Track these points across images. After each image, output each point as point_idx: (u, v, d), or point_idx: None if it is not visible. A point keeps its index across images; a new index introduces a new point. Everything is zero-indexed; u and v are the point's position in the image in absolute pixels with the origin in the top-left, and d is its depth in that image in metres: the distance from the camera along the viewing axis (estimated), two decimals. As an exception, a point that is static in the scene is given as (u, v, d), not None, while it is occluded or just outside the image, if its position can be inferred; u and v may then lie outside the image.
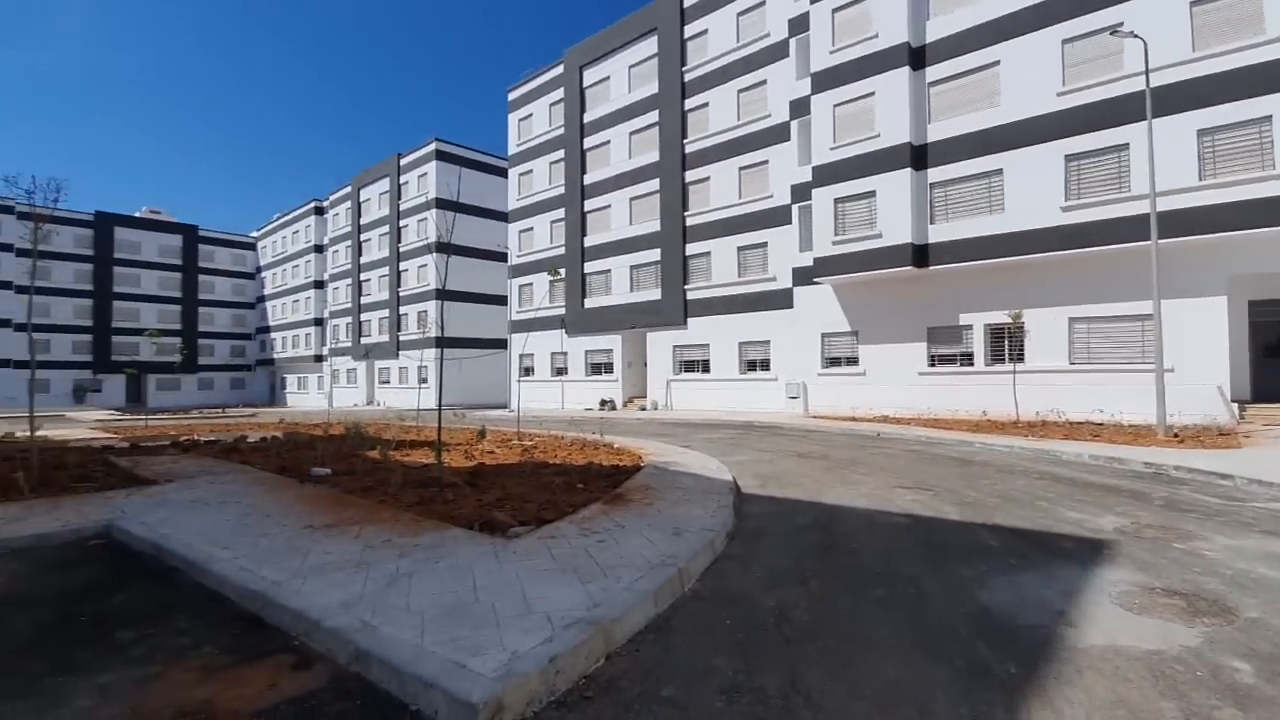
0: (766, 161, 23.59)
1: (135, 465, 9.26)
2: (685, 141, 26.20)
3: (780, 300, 22.91)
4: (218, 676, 2.99)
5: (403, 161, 44.08)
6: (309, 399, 52.70)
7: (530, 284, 33.20)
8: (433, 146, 41.07)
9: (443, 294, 39.79)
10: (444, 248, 40.53)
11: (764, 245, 23.62)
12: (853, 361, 20.69)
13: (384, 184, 45.81)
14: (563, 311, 31.17)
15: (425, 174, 41.83)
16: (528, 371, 33.77)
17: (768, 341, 23.44)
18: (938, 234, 18.26)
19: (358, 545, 4.69)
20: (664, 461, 9.48)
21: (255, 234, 65.06)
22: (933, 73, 18.50)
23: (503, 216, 38.88)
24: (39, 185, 7.10)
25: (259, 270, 64.00)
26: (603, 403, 28.08)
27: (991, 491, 7.69)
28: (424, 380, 40.53)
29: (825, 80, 20.21)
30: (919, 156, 18.67)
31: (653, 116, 27.54)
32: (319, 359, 53.07)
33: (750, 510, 6.79)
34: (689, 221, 26.02)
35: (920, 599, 4.05)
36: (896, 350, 19.59)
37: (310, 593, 3.77)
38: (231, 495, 6.70)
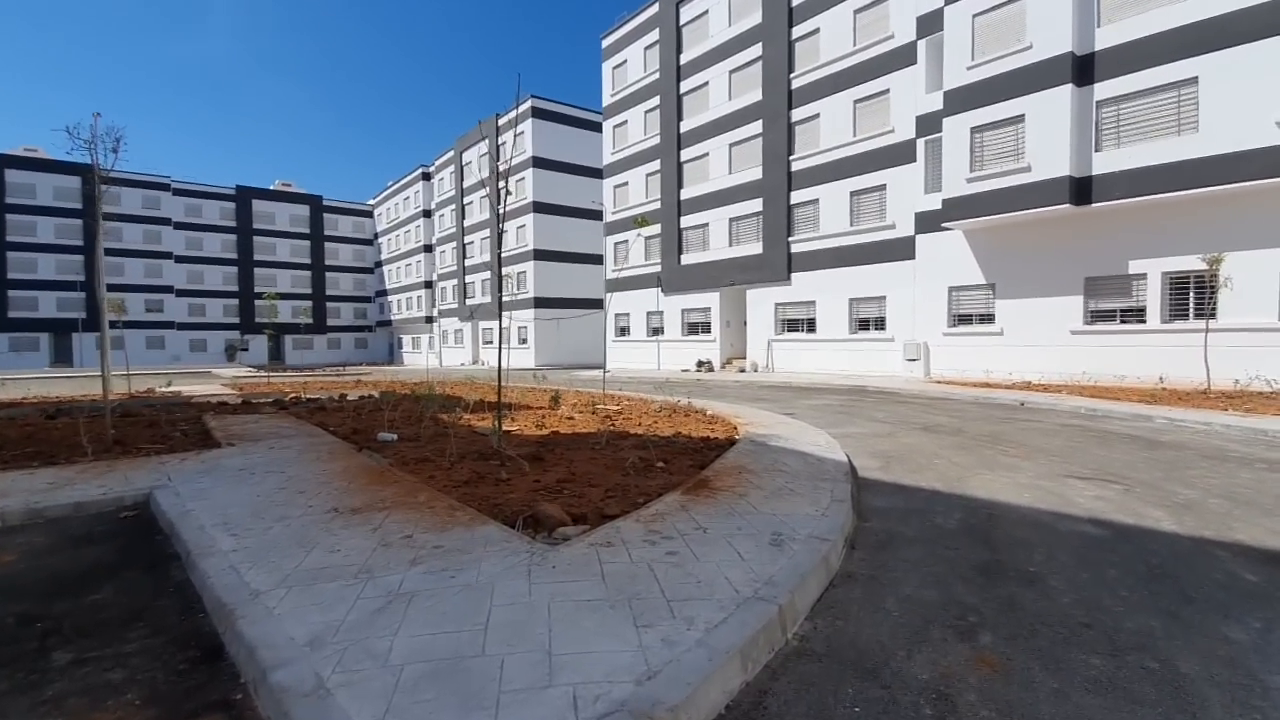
0: (887, 91, 20.70)
1: (222, 425, 9.18)
2: (792, 76, 23.65)
3: (899, 250, 20.31)
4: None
5: (501, 121, 43.96)
6: (421, 358, 55.28)
7: (625, 241, 32.11)
8: (529, 104, 40.50)
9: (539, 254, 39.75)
10: (541, 207, 40.29)
11: (881, 189, 20.95)
12: (987, 319, 17.96)
13: (484, 146, 46.07)
14: (658, 269, 29.91)
15: (522, 133, 41.47)
16: (623, 332, 33.02)
17: (883, 297, 20.98)
18: (1105, 164, 15.04)
19: (371, 542, 3.79)
20: (763, 434, 8.11)
21: (371, 201, 68.52)
22: (1106, -39, 15.01)
23: (598, 173, 37.85)
24: (98, 135, 6.72)
25: (376, 236, 67.56)
26: (699, 364, 26.78)
27: (1211, 489, 5.70)
28: (524, 340, 41.04)
29: (963, -15, 17.10)
30: (1083, 69, 15.37)
31: (755, 51, 25.08)
32: (429, 320, 55.43)
33: (873, 503, 5.34)
34: (794, 166, 23.65)
35: (1174, 686, 2.52)
36: (1043, 305, 16.68)
37: (283, 614, 2.86)
38: (282, 463, 6.15)
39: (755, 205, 25.21)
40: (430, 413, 9.35)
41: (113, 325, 47.46)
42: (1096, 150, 15.22)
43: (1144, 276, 15.02)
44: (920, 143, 19.38)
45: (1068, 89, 15.31)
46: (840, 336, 22.25)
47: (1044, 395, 13.30)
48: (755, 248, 25.25)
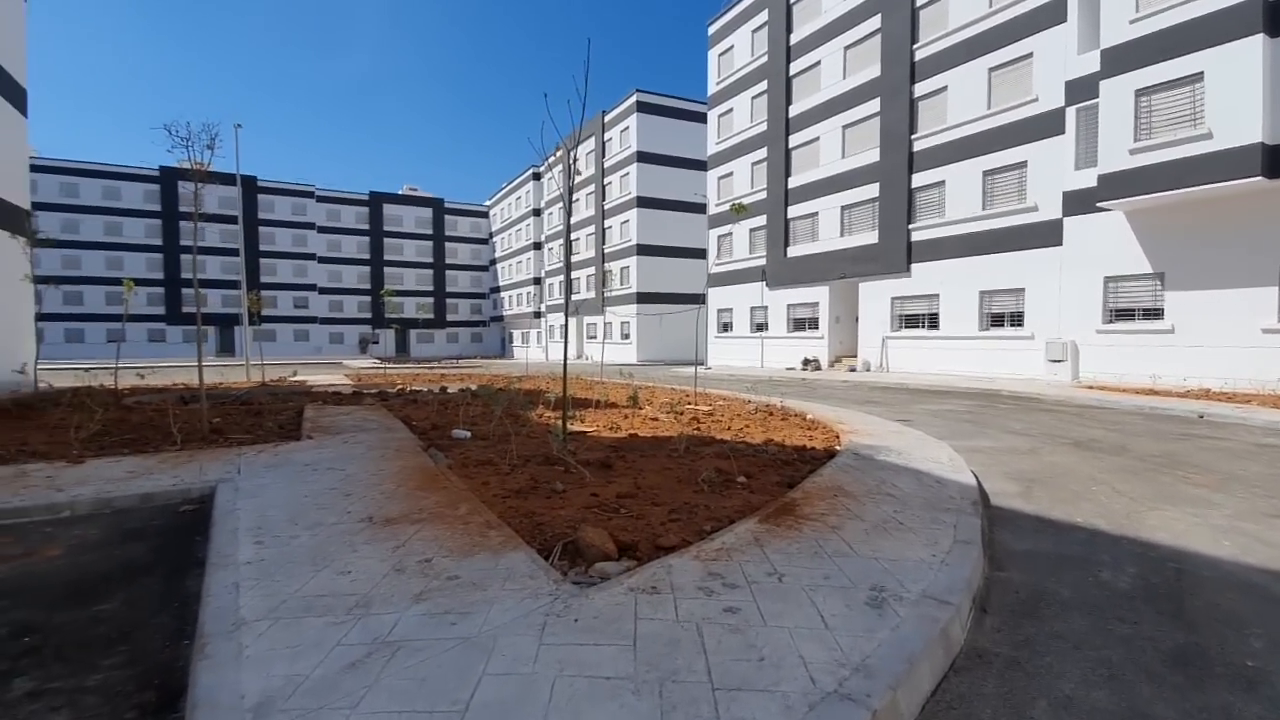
0: (1029, 55, 18.21)
1: (316, 416, 9.40)
2: (915, 47, 21.52)
3: (1042, 235, 17.81)
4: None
5: (607, 118, 44.16)
6: (531, 352, 57.04)
7: (729, 234, 30.99)
8: (633, 99, 40.31)
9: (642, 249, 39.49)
10: (644, 202, 40.00)
11: (1021, 166, 18.48)
12: (1153, 314, 15.26)
13: (590, 143, 46.55)
14: (763, 262, 28.55)
15: (627, 128, 41.39)
16: (725, 328, 31.94)
17: (1020, 290, 18.52)
18: (1321, 122, 12.15)
19: (386, 565, 3.29)
20: (869, 444, 6.99)
21: (487, 202, 71.79)
22: None
23: (701, 165, 36.93)
24: (194, 133, 6.92)
25: (490, 235, 70.70)
26: (805, 362, 25.21)
27: None
28: (626, 335, 41.01)
29: (1130, -80, 14.53)
30: (1276, 17, 12.53)
31: (873, 23, 23.10)
32: (537, 315, 57.11)
33: (1011, 545, 4.20)
34: (917, 146, 21.52)
35: None
36: (1226, 298, 13.87)
37: (252, 657, 2.39)
38: (346, 460, 5.96)
39: (870, 191, 23.27)
40: (509, 409, 9.05)
41: (263, 320, 52.80)
42: (1309, 107, 12.34)
43: (1378, 261, 11.98)
44: (1070, 111, 16.82)
45: (1258, 40, 12.53)
46: (967, 334, 19.95)
47: (1229, 406, 10.91)
48: (870, 237, 23.31)
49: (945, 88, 20.66)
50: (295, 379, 19.71)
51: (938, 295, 20.94)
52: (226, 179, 52.77)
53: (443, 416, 9.20)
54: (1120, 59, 14.86)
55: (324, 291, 63.67)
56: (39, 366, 14.95)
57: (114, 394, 13.11)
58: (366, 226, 66.50)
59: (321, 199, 64.01)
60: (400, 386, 16.94)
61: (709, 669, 2.26)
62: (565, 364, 6.13)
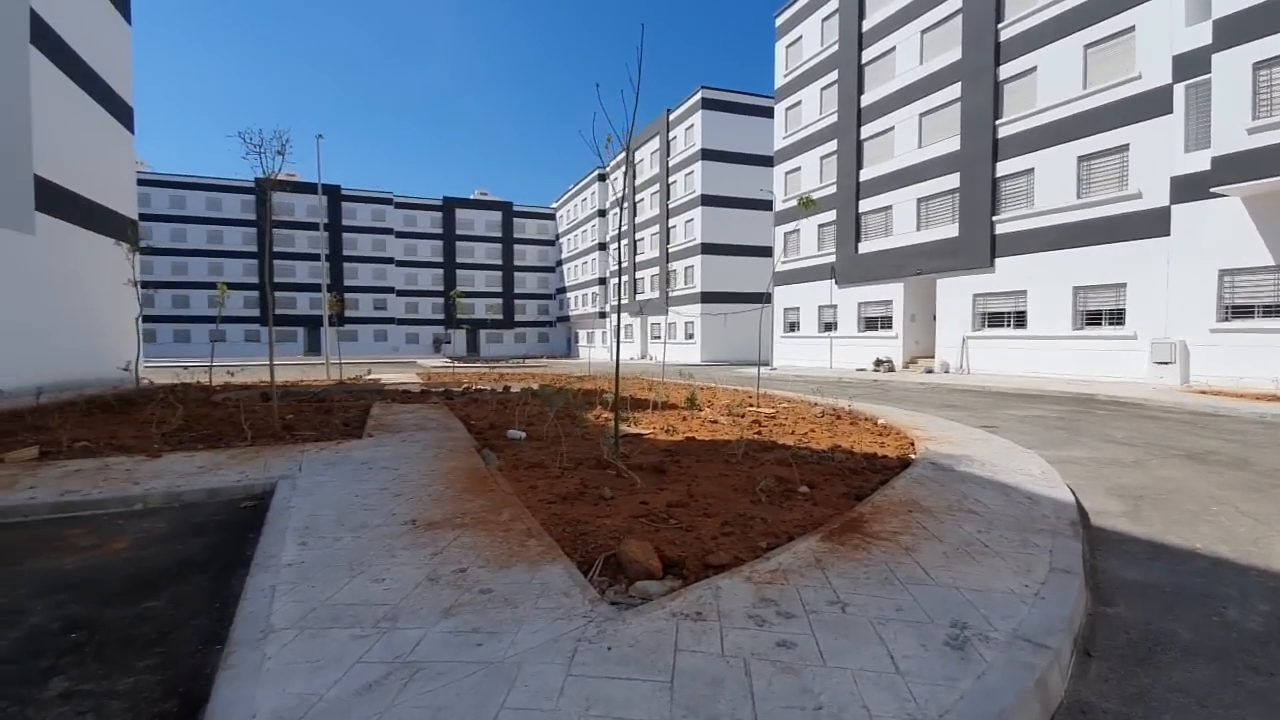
0: (1130, 30, 16.67)
1: (381, 414, 9.60)
2: (1000, 26, 20.17)
3: (1145, 226, 16.26)
4: None
5: (671, 116, 43.90)
6: (596, 352, 57.53)
7: (796, 231, 30.08)
8: (699, 95, 39.86)
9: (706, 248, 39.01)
10: (709, 200, 39.48)
11: (1122, 150, 16.94)
12: (1276, 312, 13.63)
13: (655, 142, 46.42)
14: (832, 259, 27.55)
15: (692, 125, 40.99)
16: (792, 327, 31.06)
17: (1120, 285, 16.98)
18: None
19: (421, 573, 3.16)
20: (949, 453, 6.42)
21: (554, 205, 73.00)
22: None
23: (768, 161, 36.06)
24: (265, 140, 7.16)
25: (557, 237, 71.84)
26: (878, 363, 24.10)
27: None
28: (690, 335, 40.62)
29: None
30: None
31: (953, 4, 21.83)
32: (601, 316, 57.52)
33: (1119, 573, 3.66)
34: (1002, 132, 20.15)
35: None
36: (1380, 292, 12.16)
37: (272, 669, 2.28)
38: (401, 459, 5.97)
39: (950, 181, 21.97)
40: (566, 410, 8.95)
41: (346, 321, 55.62)
42: None
43: None
44: (1179, 89, 15.26)
45: None
46: (1059, 333, 18.48)
47: (1385, 416, 9.50)
48: (949, 230, 22.03)
49: (1034, 68, 19.22)
50: (370, 377, 20.50)
51: (1025, 291, 19.51)
52: (309, 188, 55.76)
53: (501, 416, 9.21)
54: (1235, 30, 13.33)
55: (401, 294, 66.48)
56: (145, 364, 16.22)
57: (206, 390, 13.97)
58: (440, 230, 68.97)
59: (399, 205, 66.84)
60: (466, 385, 17.29)
61: (756, 717, 1.96)
62: (617, 364, 5.91)
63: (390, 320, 65.59)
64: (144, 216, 55.49)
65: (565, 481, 5.03)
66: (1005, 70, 20.12)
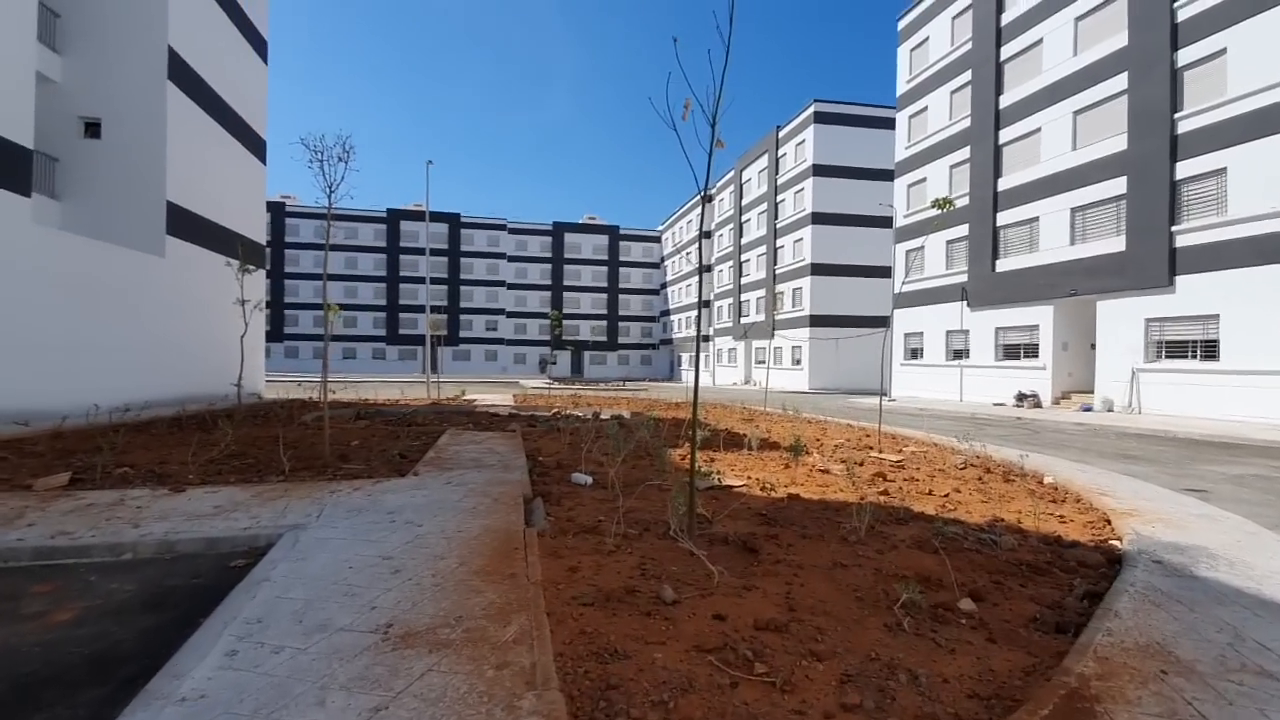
0: (1374, -14, 13.21)
1: (446, 443, 8.85)
2: (1176, 6, 17.05)
3: (1404, 231, 12.63)
4: None
5: (781, 133, 42.23)
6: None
7: (920, 248, 27.27)
8: (811, 109, 37.97)
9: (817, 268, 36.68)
10: (820, 218, 37.26)
11: (1362, 137, 13.39)
12: None
13: (763, 161, 44.89)
14: (963, 279, 24.58)
15: (803, 141, 39.08)
16: (913, 354, 28.09)
17: (1364, 308, 13.29)
18: None
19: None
20: (1170, 541, 4.47)
21: (660, 227, 72.99)
22: None
23: (887, 175, 33.40)
24: (327, 146, 6.64)
25: (662, 260, 71.63)
26: (1021, 397, 20.90)
27: None
28: (797, 361, 38.25)
29: None
30: None
31: (1116, -17, 18.80)
32: (705, 339, 56.11)
33: None
34: (1181, 128, 16.87)
35: None
36: None
37: None
38: (434, 510, 4.96)
39: (1114, 187, 18.75)
40: (646, 447, 7.69)
41: (460, 341, 58.03)
42: None
43: None
44: None
45: None
46: (1267, 368, 14.86)
47: None
48: (1113, 244, 18.74)
49: (1224, 50, 15.94)
50: (465, 398, 20.40)
51: (1216, 316, 15.98)
52: (429, 216, 59.01)
53: (574, 452, 8.12)
54: None
55: (511, 315, 68.77)
56: (268, 378, 17.03)
57: (304, 407, 14.14)
58: (549, 254, 70.93)
59: (512, 230, 69.53)
60: (555, 409, 16.55)
61: None
62: (695, 400, 4.55)
63: (500, 341, 67.90)
64: (289, 245, 61.70)
65: (617, 562, 3.75)
66: (1184, 55, 16.88)
